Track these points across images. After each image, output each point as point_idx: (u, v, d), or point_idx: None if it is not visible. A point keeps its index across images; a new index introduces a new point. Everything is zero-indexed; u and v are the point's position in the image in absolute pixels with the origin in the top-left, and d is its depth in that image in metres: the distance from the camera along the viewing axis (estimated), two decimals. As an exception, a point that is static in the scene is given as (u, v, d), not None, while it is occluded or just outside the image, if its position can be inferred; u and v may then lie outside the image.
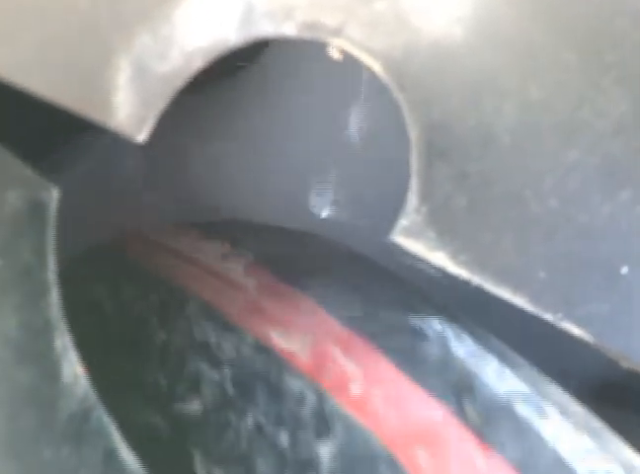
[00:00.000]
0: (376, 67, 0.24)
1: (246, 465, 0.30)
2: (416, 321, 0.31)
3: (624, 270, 0.24)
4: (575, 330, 0.24)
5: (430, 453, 0.28)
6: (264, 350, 0.31)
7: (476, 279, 0.24)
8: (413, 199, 0.24)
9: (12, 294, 0.23)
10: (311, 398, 0.30)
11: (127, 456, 0.24)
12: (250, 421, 0.31)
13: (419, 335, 0.31)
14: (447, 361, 0.30)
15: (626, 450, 0.28)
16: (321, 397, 0.29)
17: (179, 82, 0.23)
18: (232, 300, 0.33)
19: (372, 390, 0.29)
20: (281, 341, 0.31)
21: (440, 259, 0.24)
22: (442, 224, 0.24)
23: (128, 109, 0.23)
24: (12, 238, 0.23)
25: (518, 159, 0.24)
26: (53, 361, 0.23)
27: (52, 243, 0.23)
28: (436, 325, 0.31)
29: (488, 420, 0.28)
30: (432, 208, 0.24)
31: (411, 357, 0.30)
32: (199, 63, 0.23)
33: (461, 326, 0.31)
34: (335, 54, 0.24)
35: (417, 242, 0.24)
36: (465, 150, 0.24)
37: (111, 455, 0.24)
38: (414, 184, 0.24)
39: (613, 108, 0.23)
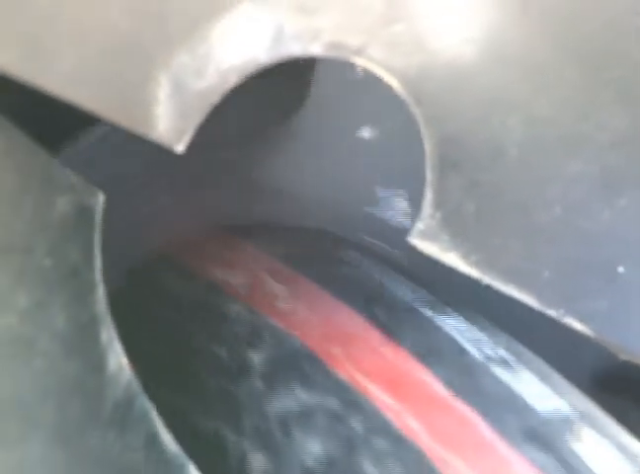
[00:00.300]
0: (395, 84, 0.26)
1: (195, 381, 0.35)
2: (335, 251, 0.38)
3: (621, 269, 0.26)
4: (577, 325, 0.26)
5: (344, 349, 0.32)
6: (212, 287, 0.37)
7: (486, 279, 0.26)
8: (428, 206, 0.26)
9: (61, 292, 0.25)
10: (246, 316, 0.35)
11: (168, 439, 0.25)
12: (196, 343, 0.36)
13: (337, 260, 0.37)
14: (361, 278, 0.36)
15: (509, 339, 0.33)
16: (254, 314, 0.35)
17: (215, 98, 0.25)
18: (191, 254, 0.39)
19: (297, 304, 0.34)
20: (226, 277, 0.37)
21: (452, 259, 0.26)
22: (455, 228, 0.26)
23: (168, 122, 0.25)
24: (61, 240, 0.25)
25: (524, 170, 0.26)
26: (99, 353, 0.25)
27: (99, 245, 0.25)
28: (353, 253, 0.37)
29: (395, 320, 0.33)
30: (445, 214, 0.26)
31: (330, 277, 0.36)
32: (233, 80, 0.25)
33: (376, 255, 0.37)
34: (359, 72, 0.26)
35: (432, 244, 0.26)
36: (476, 162, 0.26)
37: (153, 439, 0.25)
38: (428, 191, 0.26)
39: (613, 122, 0.25)
